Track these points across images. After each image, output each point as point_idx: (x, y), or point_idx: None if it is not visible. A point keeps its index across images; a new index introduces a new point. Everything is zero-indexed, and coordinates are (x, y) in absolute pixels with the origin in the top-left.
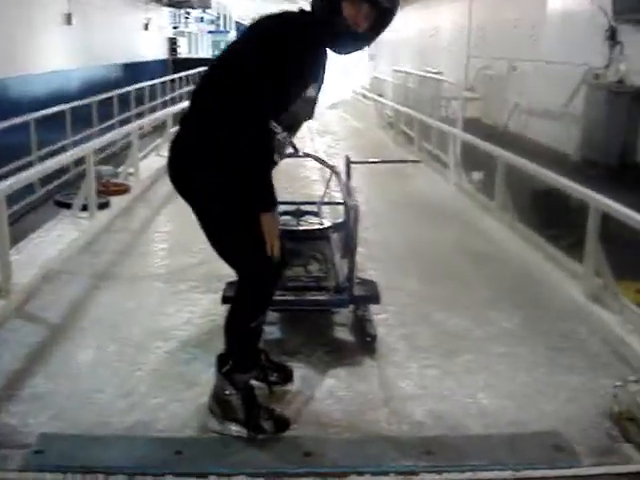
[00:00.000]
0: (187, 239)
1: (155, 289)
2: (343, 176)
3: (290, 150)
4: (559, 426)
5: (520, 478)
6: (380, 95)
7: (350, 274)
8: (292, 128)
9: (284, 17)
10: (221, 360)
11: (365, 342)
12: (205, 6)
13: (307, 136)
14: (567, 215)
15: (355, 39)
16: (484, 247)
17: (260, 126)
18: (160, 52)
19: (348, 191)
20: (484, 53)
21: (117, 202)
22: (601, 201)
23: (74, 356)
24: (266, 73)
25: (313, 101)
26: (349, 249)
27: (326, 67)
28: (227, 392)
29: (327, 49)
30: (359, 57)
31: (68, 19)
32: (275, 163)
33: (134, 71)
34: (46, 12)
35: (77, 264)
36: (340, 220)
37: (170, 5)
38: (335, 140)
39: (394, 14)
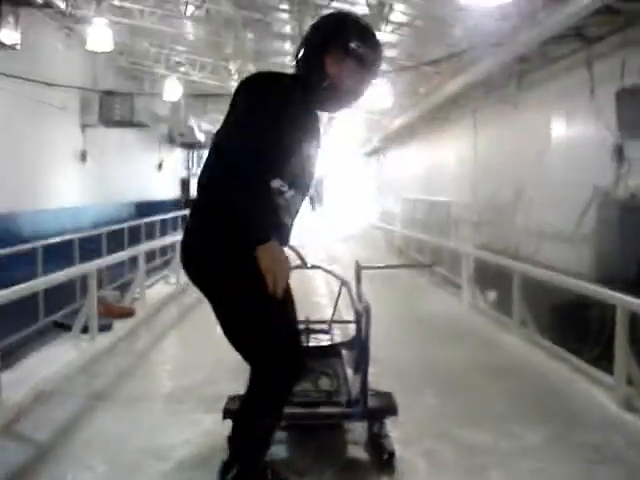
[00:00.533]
0: (191, 362)
1: (154, 410)
2: (353, 283)
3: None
4: None
5: None
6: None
7: (363, 386)
8: (298, 187)
9: (266, 75)
10: (225, 468)
11: (382, 460)
12: None
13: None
14: (588, 328)
15: (339, 97)
16: (502, 362)
17: (258, 178)
18: (172, 192)
19: (359, 296)
20: (490, 182)
21: (121, 326)
22: (629, 301)
23: (60, 478)
24: (259, 127)
25: (312, 160)
26: (361, 363)
27: (319, 128)
28: None
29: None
30: (367, 195)
31: (83, 156)
32: (286, 225)
33: (146, 210)
34: (62, 149)
35: (73, 385)
36: (351, 337)
37: (183, 146)
38: (343, 267)
39: (378, 68)
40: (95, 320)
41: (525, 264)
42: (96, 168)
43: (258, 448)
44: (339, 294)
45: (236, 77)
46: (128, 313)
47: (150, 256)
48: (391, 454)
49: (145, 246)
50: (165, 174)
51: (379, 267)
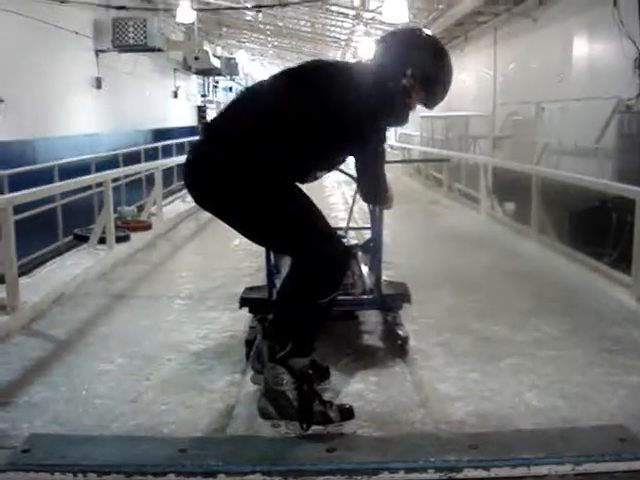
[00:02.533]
0: (208, 269)
1: (171, 308)
2: None
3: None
4: (622, 421)
5: (582, 473)
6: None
7: (377, 277)
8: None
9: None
10: (271, 349)
11: (397, 345)
12: (233, 73)
13: (335, 185)
14: (607, 233)
15: (406, 117)
16: (522, 266)
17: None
18: (189, 119)
19: None
20: (511, 99)
21: (138, 237)
22: None
23: (77, 367)
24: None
25: None
26: (376, 256)
27: None
28: (283, 382)
29: None
30: None
31: (98, 83)
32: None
33: (163, 137)
34: (76, 76)
35: (91, 289)
36: (366, 240)
37: (198, 73)
38: None
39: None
40: (112, 230)
41: (544, 168)
42: (111, 95)
43: (318, 321)
44: (354, 199)
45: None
46: (145, 226)
47: (167, 179)
48: (404, 339)
49: (161, 162)
50: (181, 101)
51: (396, 162)
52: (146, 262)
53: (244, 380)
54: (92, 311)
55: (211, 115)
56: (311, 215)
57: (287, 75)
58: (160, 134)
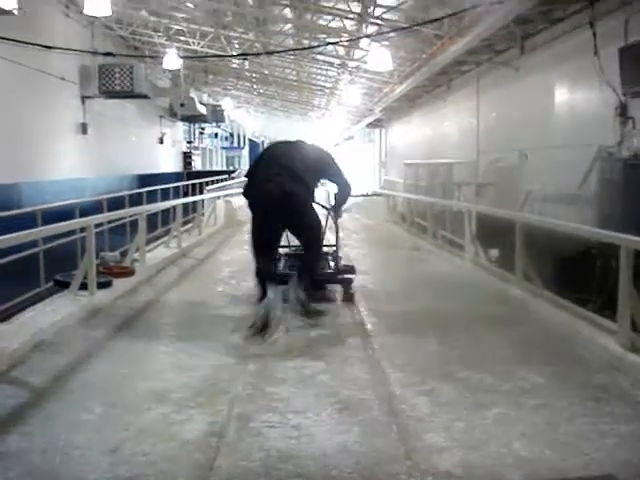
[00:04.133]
0: (190, 316)
1: (152, 355)
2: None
3: None
4: (611, 471)
5: None
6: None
7: (336, 263)
8: None
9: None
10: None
11: (348, 297)
12: (218, 120)
13: None
14: (592, 280)
15: None
16: (507, 313)
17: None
18: (174, 165)
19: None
20: (494, 146)
21: (121, 283)
22: (631, 240)
23: (55, 416)
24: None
25: None
26: (337, 253)
27: None
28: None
29: None
30: (370, 166)
31: (84, 129)
32: None
33: (149, 182)
34: (62, 121)
35: (71, 335)
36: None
37: (184, 120)
38: (347, 234)
39: None
40: (94, 276)
41: (528, 214)
42: (97, 141)
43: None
44: (327, 221)
45: (237, 47)
46: (128, 272)
47: (151, 224)
48: (352, 294)
49: (145, 207)
50: (167, 147)
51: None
52: (128, 308)
53: (224, 430)
54: (72, 358)
55: (197, 161)
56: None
57: (294, 148)
58: (146, 179)
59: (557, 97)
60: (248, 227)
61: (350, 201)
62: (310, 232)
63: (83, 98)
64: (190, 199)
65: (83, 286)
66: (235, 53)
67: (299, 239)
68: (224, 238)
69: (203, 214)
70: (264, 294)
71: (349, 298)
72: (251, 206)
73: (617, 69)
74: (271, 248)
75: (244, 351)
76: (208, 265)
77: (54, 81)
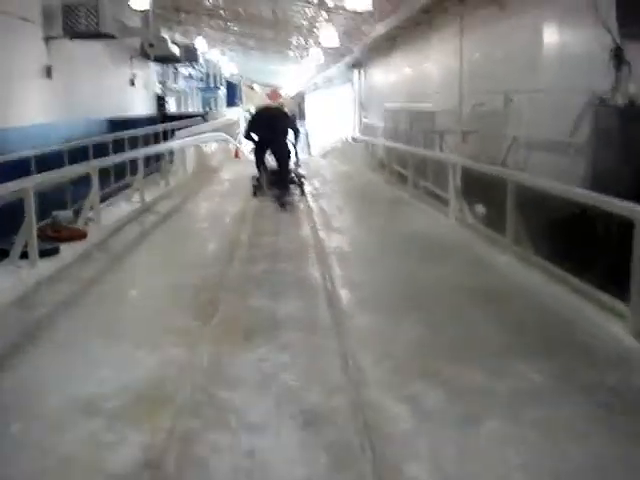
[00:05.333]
0: (144, 293)
1: (90, 349)
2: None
3: None
4: None
5: None
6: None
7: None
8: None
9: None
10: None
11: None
12: (192, 60)
13: None
14: (591, 246)
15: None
16: (498, 285)
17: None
18: (147, 108)
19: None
20: (477, 89)
21: (69, 249)
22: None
23: None
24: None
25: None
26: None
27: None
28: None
29: None
30: (349, 109)
31: (48, 72)
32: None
33: (120, 127)
34: (24, 64)
35: (1, 318)
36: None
37: (157, 60)
38: (323, 183)
39: None
40: (34, 243)
41: (522, 173)
42: (63, 84)
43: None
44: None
45: None
46: (79, 235)
47: (117, 175)
48: (302, 183)
49: (97, 162)
50: (139, 89)
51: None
52: (74, 280)
53: (162, 460)
54: None
55: (172, 103)
56: None
57: (275, 115)
58: (117, 124)
59: (546, 37)
60: (222, 174)
61: (328, 146)
62: (284, 155)
63: (47, 39)
64: (152, 149)
65: (25, 254)
66: None
67: (278, 160)
68: (194, 188)
69: (172, 161)
70: (260, 176)
71: (302, 193)
72: (256, 142)
73: (613, 8)
74: (263, 156)
75: (199, 338)
76: (173, 222)
77: (14, 22)
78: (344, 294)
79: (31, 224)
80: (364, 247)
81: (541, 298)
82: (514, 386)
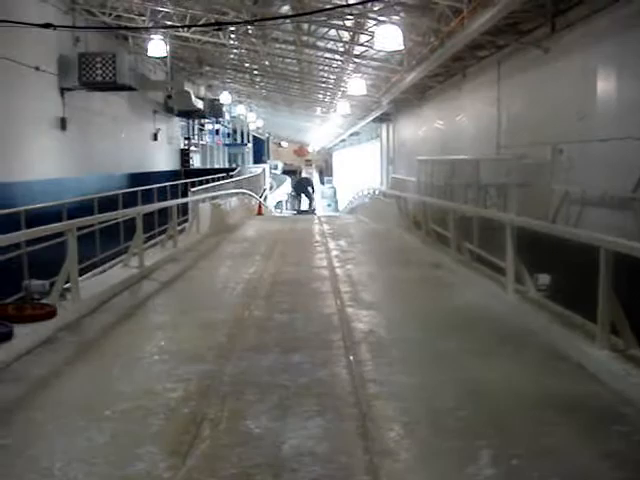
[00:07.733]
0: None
1: None
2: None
3: None
4: None
5: None
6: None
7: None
8: None
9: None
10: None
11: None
12: (217, 115)
13: (320, 240)
14: None
15: None
16: (595, 399)
17: None
18: (171, 163)
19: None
20: (518, 141)
21: (28, 333)
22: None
23: None
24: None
25: None
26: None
27: None
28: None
29: None
30: (373, 162)
31: (63, 124)
32: None
33: (141, 182)
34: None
35: None
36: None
37: (180, 115)
38: (350, 244)
39: None
40: None
41: (613, 238)
42: (79, 137)
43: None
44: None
45: (233, 36)
46: (44, 314)
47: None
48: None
49: (77, 221)
50: (162, 144)
51: None
52: (22, 380)
53: None
54: None
55: (196, 159)
56: None
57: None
58: (137, 178)
59: (599, 81)
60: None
61: (355, 202)
62: (310, 200)
63: (62, 90)
64: (154, 206)
65: None
66: (231, 42)
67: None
68: (205, 250)
69: (186, 220)
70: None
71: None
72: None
73: None
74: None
75: None
76: (172, 292)
77: (28, 71)
78: (381, 413)
79: None
80: (403, 332)
81: None
82: None
